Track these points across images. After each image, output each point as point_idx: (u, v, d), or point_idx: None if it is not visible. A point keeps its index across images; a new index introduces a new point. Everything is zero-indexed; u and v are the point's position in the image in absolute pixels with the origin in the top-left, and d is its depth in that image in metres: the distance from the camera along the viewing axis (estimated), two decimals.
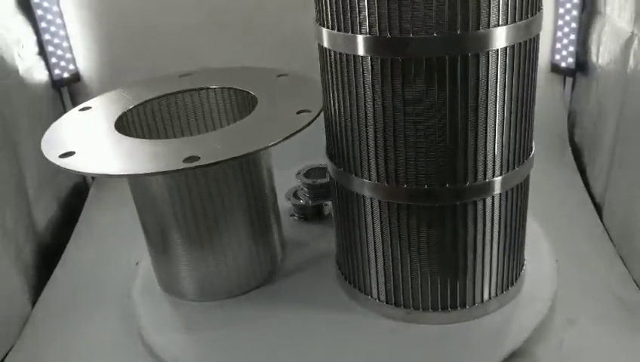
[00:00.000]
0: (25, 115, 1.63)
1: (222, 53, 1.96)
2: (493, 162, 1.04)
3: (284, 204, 1.50)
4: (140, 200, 1.24)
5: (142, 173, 1.01)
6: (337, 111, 1.09)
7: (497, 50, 0.93)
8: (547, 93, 1.99)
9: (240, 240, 1.24)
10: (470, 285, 1.14)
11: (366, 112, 1.02)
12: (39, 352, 1.24)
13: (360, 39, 0.96)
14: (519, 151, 1.08)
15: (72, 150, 1.09)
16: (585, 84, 1.85)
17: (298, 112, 1.17)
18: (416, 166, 1.03)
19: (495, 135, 1.01)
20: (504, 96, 0.99)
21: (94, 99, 1.42)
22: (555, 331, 1.16)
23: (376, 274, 1.18)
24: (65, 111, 1.94)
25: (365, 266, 1.19)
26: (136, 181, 1.22)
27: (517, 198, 1.13)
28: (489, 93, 0.97)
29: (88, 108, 1.36)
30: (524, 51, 0.98)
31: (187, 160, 1.00)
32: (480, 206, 1.07)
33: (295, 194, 1.56)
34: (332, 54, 1.04)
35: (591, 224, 1.54)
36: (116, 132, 1.19)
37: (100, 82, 1.98)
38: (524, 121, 1.06)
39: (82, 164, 1.05)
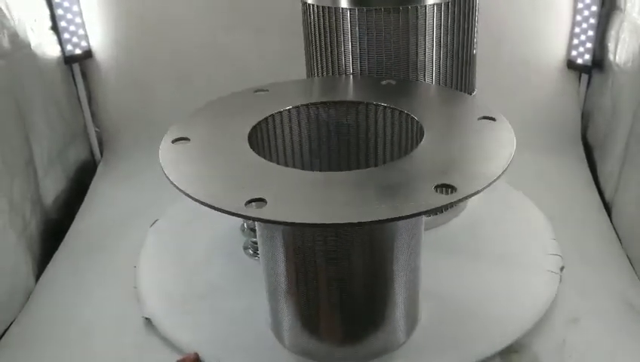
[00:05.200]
0: (36, 89, 1.63)
1: (236, 35, 1.95)
2: None
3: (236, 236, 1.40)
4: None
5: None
6: (320, 58, 1.34)
7: (433, 5, 1.23)
8: (562, 89, 1.97)
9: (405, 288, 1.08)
10: None
11: (346, 54, 1.30)
12: (41, 326, 1.25)
13: None
14: (457, 87, 1.36)
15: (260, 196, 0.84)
16: (600, 82, 1.83)
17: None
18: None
19: (435, 70, 1.31)
20: (440, 42, 1.28)
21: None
22: (558, 329, 1.15)
23: None
24: (76, 87, 1.95)
25: None
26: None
27: None
28: (426, 38, 1.26)
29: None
30: (458, 8, 1.27)
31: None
32: None
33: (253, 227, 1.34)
34: (316, 9, 1.30)
35: (600, 223, 1.53)
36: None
37: (112, 60, 1.97)
38: (459, 64, 1.34)
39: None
